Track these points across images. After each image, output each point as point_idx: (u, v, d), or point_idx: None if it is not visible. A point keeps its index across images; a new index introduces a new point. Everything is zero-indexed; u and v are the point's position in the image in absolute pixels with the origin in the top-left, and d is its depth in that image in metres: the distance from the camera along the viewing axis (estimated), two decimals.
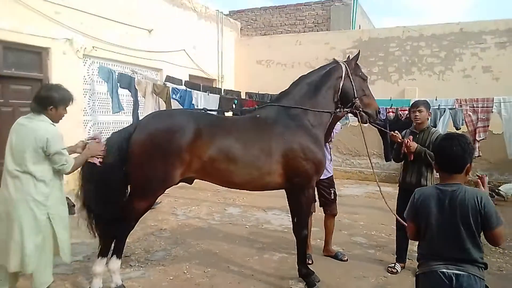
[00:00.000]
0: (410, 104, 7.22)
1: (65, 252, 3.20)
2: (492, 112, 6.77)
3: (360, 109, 4.21)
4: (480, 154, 6.82)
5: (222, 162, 3.64)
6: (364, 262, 4.91)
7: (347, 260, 4.90)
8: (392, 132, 4.37)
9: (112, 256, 3.86)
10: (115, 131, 3.90)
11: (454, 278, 2.14)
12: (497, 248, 5.38)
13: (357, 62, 4.34)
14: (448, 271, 2.16)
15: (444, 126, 6.91)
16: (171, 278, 4.31)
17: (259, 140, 3.78)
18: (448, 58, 9.96)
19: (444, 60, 10.00)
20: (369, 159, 4.95)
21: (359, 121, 4.32)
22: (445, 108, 6.78)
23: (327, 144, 4.64)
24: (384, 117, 6.82)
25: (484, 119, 6.77)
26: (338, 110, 4.24)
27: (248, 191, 4.33)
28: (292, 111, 4.02)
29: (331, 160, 4.89)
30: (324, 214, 5.00)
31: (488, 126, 6.83)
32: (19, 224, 2.91)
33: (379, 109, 4.45)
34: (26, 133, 2.95)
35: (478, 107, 6.78)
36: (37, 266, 3.01)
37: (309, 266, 4.44)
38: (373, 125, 4.64)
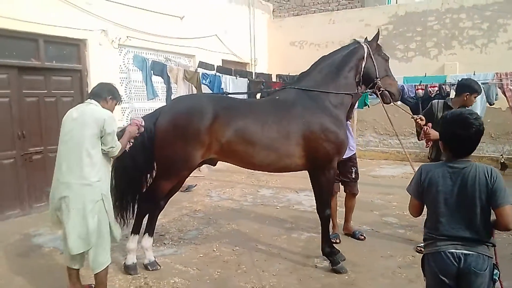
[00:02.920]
0: (445, 80, 7.03)
1: (114, 231, 3.31)
2: None
3: (382, 89, 4.16)
4: None
5: (239, 144, 3.75)
6: (394, 242, 4.88)
7: (364, 238, 4.92)
8: (417, 117, 4.19)
9: (144, 234, 4.13)
10: (145, 115, 4.10)
11: (462, 258, 2.09)
12: None
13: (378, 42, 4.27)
14: (457, 251, 2.11)
15: (482, 103, 6.56)
16: (201, 255, 4.52)
17: (277, 122, 3.84)
18: (491, 30, 9.39)
19: (486, 32, 9.44)
20: (398, 138, 4.85)
21: (381, 102, 4.26)
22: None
23: (348, 121, 4.61)
24: (413, 95, 6.61)
25: None
26: (359, 90, 4.20)
27: (270, 172, 4.43)
28: (313, 92, 4.03)
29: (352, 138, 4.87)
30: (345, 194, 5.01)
31: None
32: (76, 206, 3.03)
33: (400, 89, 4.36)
34: (86, 117, 3.11)
35: None
36: (96, 246, 3.13)
37: (336, 245, 4.50)
38: (405, 104, 4.56)
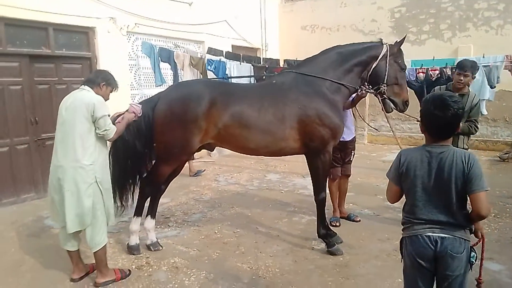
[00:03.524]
0: (454, 63, 6.89)
1: (110, 214, 3.48)
2: None
3: (385, 96, 4.12)
4: None
5: (236, 128, 3.83)
6: (392, 225, 4.89)
7: (359, 221, 5.00)
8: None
9: (147, 216, 4.29)
10: (143, 100, 4.22)
11: (439, 241, 2.11)
12: None
13: (401, 48, 4.15)
14: (434, 234, 2.13)
15: (484, 85, 6.39)
16: (202, 237, 4.66)
17: (272, 106, 3.89)
18: (508, 11, 9.09)
19: (503, 13, 9.15)
20: (389, 123, 4.67)
21: (382, 109, 4.24)
22: (479, 66, 6.30)
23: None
24: (414, 78, 6.52)
25: None
26: (363, 89, 4.18)
27: (266, 156, 4.51)
28: (310, 77, 4.05)
29: (352, 122, 4.88)
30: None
31: None
32: (70, 187, 3.21)
33: (407, 101, 4.23)
34: (76, 102, 3.25)
35: None
36: (92, 226, 3.31)
37: (336, 228, 4.58)
38: (409, 88, 4.48)
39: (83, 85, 3.40)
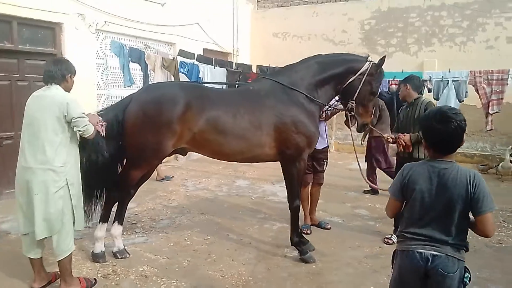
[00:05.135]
0: (422, 76, 7.13)
1: (79, 219, 3.28)
2: (507, 84, 6.52)
3: (353, 112, 4.14)
4: (493, 128, 6.62)
5: (211, 134, 3.74)
6: (363, 233, 4.98)
7: (330, 228, 5.04)
8: (386, 136, 4.34)
9: (114, 222, 4.10)
10: (113, 104, 4.05)
11: (430, 258, 2.07)
12: (501, 222, 5.33)
13: (381, 68, 4.13)
14: (426, 251, 2.09)
15: (449, 99, 6.69)
16: (171, 244, 4.52)
17: (249, 113, 3.84)
18: (471, 28, 9.54)
19: (466, 31, 9.59)
20: (351, 135, 4.80)
21: (345, 123, 4.32)
22: (448, 80, 6.57)
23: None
24: (387, 89, 6.70)
25: (498, 91, 6.55)
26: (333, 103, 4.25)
27: (240, 162, 4.45)
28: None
29: (326, 131, 4.94)
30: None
31: (502, 98, 6.61)
32: (40, 191, 3.01)
33: (367, 124, 4.30)
34: (46, 102, 3.05)
35: (492, 79, 6.54)
36: (59, 233, 3.11)
37: (307, 236, 4.57)
38: (380, 99, 4.58)
39: (50, 84, 3.18)
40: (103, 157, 3.70)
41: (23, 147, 3.10)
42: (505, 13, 9.13)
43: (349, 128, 4.33)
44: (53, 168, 3.03)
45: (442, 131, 2.06)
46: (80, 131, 3.16)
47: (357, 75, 4.00)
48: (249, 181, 7.62)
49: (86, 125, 3.16)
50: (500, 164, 7.44)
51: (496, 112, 6.58)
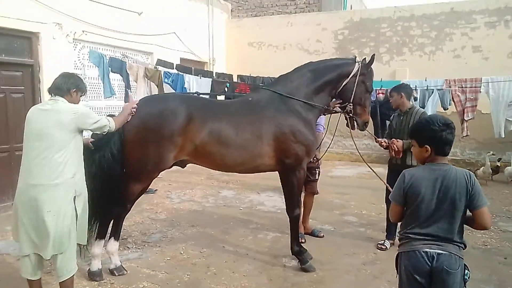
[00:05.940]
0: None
1: (82, 233, 3.15)
2: (480, 92, 6.89)
3: (351, 114, 4.22)
4: (468, 134, 6.95)
5: (214, 146, 3.72)
6: (355, 240, 5.07)
7: (323, 236, 5.10)
8: (380, 140, 4.45)
9: (110, 238, 3.97)
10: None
11: (435, 257, 2.17)
12: None
13: (371, 67, 4.25)
14: (431, 250, 2.19)
15: (433, 107, 7.03)
16: (168, 258, 4.43)
17: (250, 123, 3.86)
18: (439, 38, 10.01)
19: (434, 40, 10.06)
20: (353, 141, 4.95)
21: (347, 125, 4.37)
22: (433, 89, 6.88)
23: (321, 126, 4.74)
24: (374, 99, 6.91)
25: (472, 99, 6.90)
26: (328, 107, 4.28)
27: (240, 173, 4.42)
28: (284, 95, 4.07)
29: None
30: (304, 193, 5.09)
31: (476, 106, 6.97)
32: (52, 207, 2.86)
33: (368, 122, 4.40)
34: (53, 116, 2.93)
35: (466, 87, 6.89)
36: (65, 251, 2.95)
37: (303, 244, 4.59)
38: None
39: (55, 96, 3.07)
40: (105, 173, 3.59)
41: (29, 164, 2.93)
42: (470, 24, 9.65)
43: (353, 129, 4.36)
44: (64, 181, 2.92)
45: (448, 135, 2.26)
46: (104, 132, 3.30)
47: (349, 77, 4.10)
48: (234, 191, 7.59)
49: (105, 125, 3.24)
50: (481, 169, 7.78)
51: (470, 119, 6.93)
